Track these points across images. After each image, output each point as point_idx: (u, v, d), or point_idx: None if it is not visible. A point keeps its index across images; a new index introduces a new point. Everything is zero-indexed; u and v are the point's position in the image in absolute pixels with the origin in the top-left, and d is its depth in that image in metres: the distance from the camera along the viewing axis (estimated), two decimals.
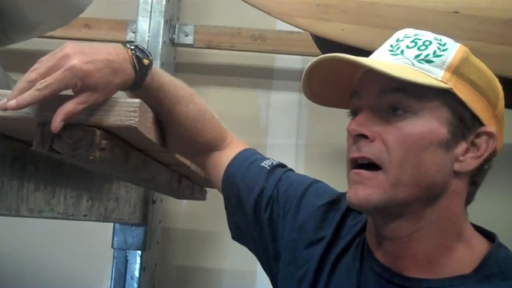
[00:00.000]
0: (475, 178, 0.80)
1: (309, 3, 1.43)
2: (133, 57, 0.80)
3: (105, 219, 1.30)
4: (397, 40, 0.81)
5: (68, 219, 1.10)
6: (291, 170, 1.01)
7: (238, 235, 1.02)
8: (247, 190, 0.97)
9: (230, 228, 1.03)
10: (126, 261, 1.75)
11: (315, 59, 0.79)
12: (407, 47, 0.79)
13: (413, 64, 0.77)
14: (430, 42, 0.78)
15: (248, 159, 1.00)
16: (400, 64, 0.77)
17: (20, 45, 1.27)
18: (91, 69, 0.73)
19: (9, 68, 1.18)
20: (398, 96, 0.76)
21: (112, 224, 1.71)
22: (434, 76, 0.76)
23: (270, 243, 0.95)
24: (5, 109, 0.70)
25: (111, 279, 1.75)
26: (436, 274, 0.78)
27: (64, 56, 0.72)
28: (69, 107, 0.72)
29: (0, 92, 0.75)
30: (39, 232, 1.93)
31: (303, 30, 1.55)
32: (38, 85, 0.70)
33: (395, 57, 0.78)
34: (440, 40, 0.79)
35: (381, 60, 0.79)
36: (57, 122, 0.71)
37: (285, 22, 1.48)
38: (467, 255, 0.78)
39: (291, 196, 0.95)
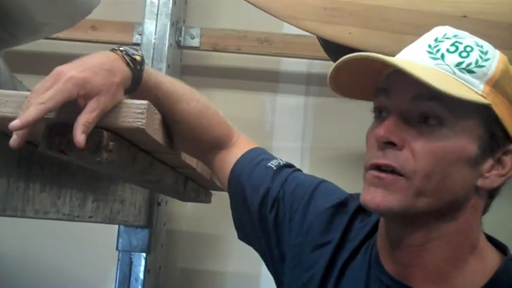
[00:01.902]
0: (493, 192, 0.78)
1: (317, 6, 1.42)
2: (124, 55, 0.81)
3: (110, 221, 1.30)
4: (436, 40, 0.76)
5: (73, 220, 1.10)
6: (299, 170, 0.99)
7: (244, 235, 1.01)
8: (253, 190, 0.95)
9: (236, 228, 1.01)
10: (131, 263, 1.75)
11: (344, 56, 0.74)
12: (448, 51, 0.74)
13: (454, 73, 0.73)
14: (472, 49, 0.74)
15: (255, 158, 0.98)
16: (440, 71, 0.73)
17: (26, 47, 1.28)
18: (87, 75, 0.73)
19: (16, 69, 1.18)
20: (433, 105, 0.72)
21: (116, 225, 1.71)
22: (474, 89, 0.72)
23: (275, 244, 0.93)
24: (15, 129, 0.68)
25: (116, 281, 1.75)
26: (446, 287, 0.76)
27: (58, 73, 0.72)
28: (82, 118, 0.71)
29: (6, 92, 0.75)
30: (44, 233, 1.92)
31: (309, 34, 1.54)
32: (40, 99, 0.69)
33: (435, 61, 0.74)
34: (482, 47, 0.75)
35: (420, 63, 0.74)
36: (78, 136, 0.69)
37: (292, 25, 1.47)
38: (479, 268, 0.77)
39: (298, 198, 0.93)
